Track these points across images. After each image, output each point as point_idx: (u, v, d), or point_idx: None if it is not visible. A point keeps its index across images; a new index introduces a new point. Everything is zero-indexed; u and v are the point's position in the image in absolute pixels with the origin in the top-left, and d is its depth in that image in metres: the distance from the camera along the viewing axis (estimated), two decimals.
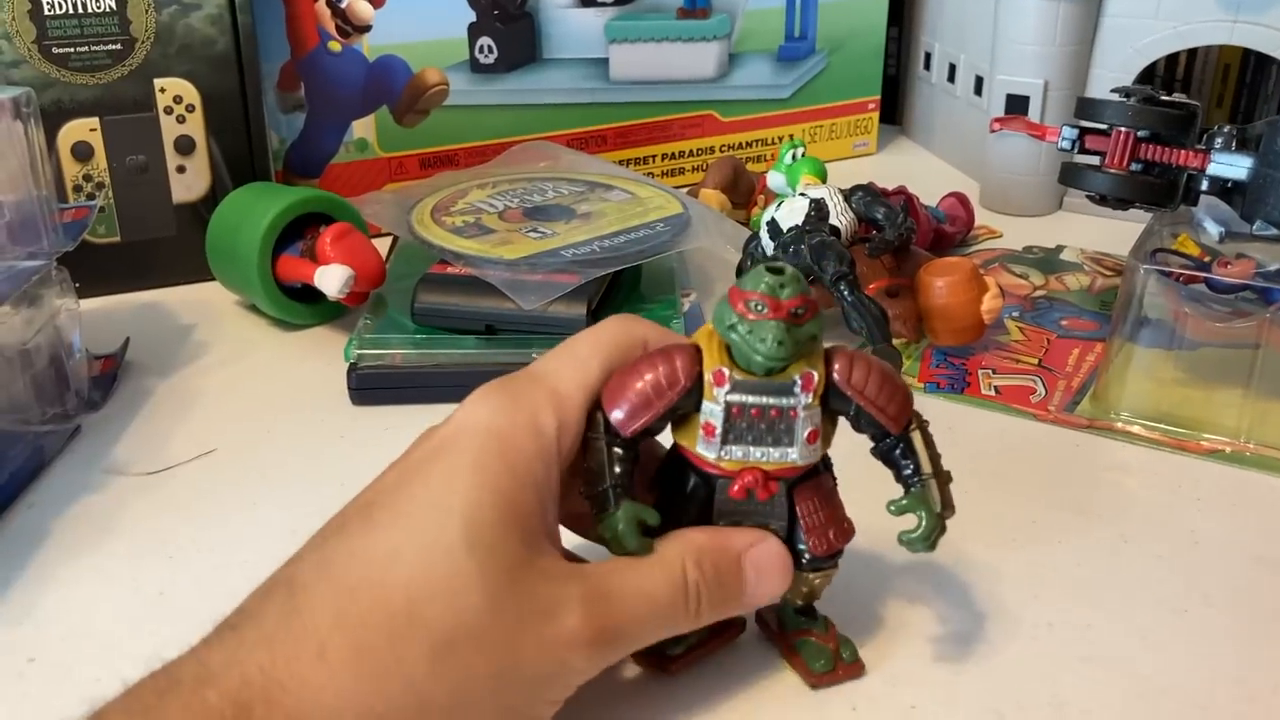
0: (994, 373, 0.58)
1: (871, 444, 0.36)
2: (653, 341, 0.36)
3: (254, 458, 0.50)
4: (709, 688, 0.38)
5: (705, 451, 0.35)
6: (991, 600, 0.42)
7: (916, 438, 0.36)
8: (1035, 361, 0.59)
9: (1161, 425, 0.53)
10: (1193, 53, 0.90)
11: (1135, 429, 0.53)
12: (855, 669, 0.38)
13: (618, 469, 0.34)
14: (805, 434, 0.34)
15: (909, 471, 0.36)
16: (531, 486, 0.32)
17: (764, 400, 0.34)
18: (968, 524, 0.45)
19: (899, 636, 0.40)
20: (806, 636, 0.38)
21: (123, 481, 0.49)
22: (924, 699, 0.37)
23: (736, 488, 0.35)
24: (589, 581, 0.32)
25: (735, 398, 0.34)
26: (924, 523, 0.35)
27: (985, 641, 0.40)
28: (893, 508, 0.36)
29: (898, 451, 0.36)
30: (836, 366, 0.35)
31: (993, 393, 0.56)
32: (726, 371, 0.34)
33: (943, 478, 0.36)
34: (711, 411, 0.34)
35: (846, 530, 0.37)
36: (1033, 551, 0.45)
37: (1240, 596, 0.42)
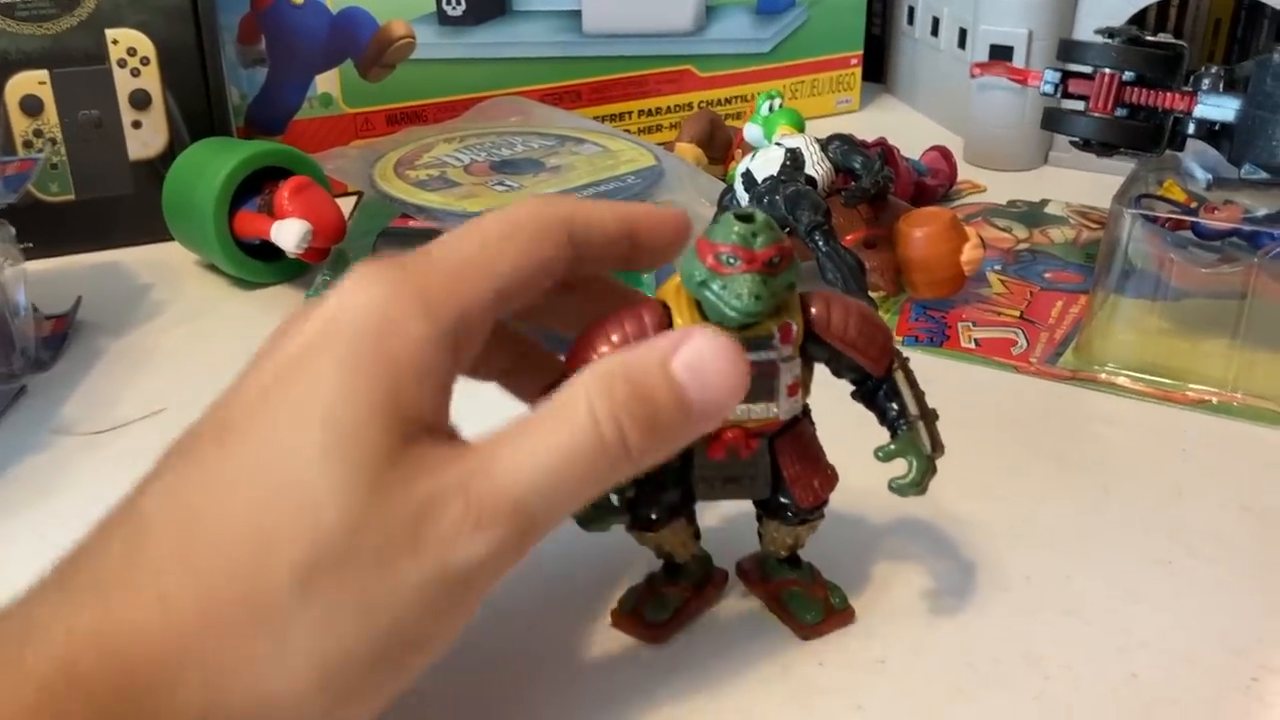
0: (974, 325, 0.56)
1: (852, 388, 0.34)
2: (578, 220, 0.31)
3: None
4: (696, 653, 0.36)
5: None
6: (968, 552, 0.40)
7: (900, 378, 0.34)
8: (1017, 314, 0.58)
9: (1146, 376, 0.51)
10: (1183, 5, 0.88)
11: (1120, 380, 0.51)
12: (846, 616, 0.37)
13: None
14: (786, 386, 0.32)
15: (894, 414, 0.34)
16: (414, 374, 0.27)
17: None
18: (945, 476, 0.43)
19: (870, 588, 0.38)
20: (792, 587, 0.37)
21: (68, 441, 0.48)
22: (894, 652, 0.36)
23: (716, 447, 0.33)
24: (472, 460, 0.27)
25: None
26: (915, 467, 0.33)
27: (960, 594, 0.38)
28: (881, 454, 0.34)
29: (881, 393, 0.34)
30: (814, 312, 0.32)
31: (973, 345, 0.55)
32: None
33: (929, 417, 0.34)
34: None
35: (831, 478, 0.35)
36: (1012, 504, 0.43)
37: (1225, 547, 0.41)
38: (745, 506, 0.36)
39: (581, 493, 0.28)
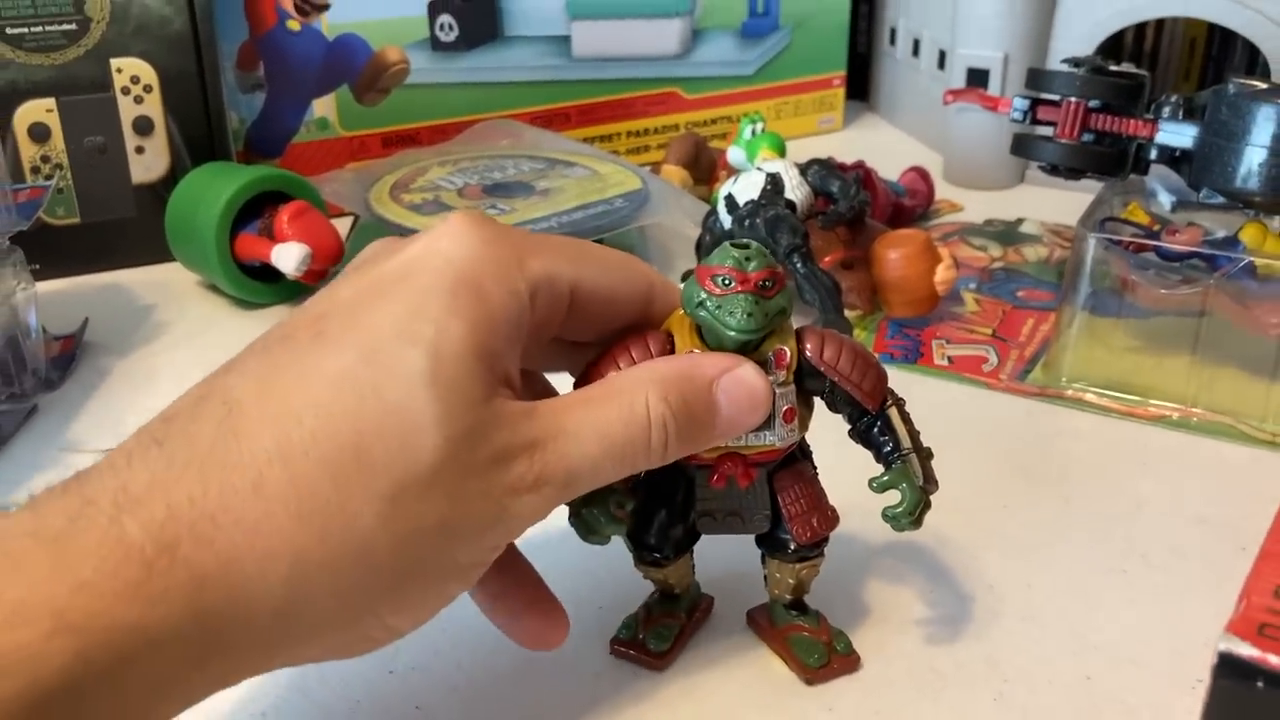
0: (948, 343, 0.59)
1: (849, 425, 0.36)
2: (657, 286, 0.35)
3: None
4: (699, 683, 0.37)
5: None
6: (935, 561, 0.42)
7: (894, 414, 0.35)
8: (990, 332, 0.60)
9: (1111, 392, 0.53)
10: (1159, 28, 0.90)
11: (1085, 396, 0.54)
12: (850, 662, 0.37)
13: None
14: (781, 413, 0.34)
15: (889, 449, 0.35)
16: (504, 324, 0.29)
17: None
18: None
19: (839, 597, 0.40)
20: (798, 632, 0.37)
21: (78, 459, 0.49)
22: (864, 657, 0.38)
23: (716, 477, 0.34)
24: (541, 422, 0.30)
25: None
26: (907, 498, 0.34)
27: (927, 602, 0.40)
28: (875, 484, 0.35)
29: (875, 429, 0.35)
30: (808, 345, 0.34)
31: (946, 362, 0.57)
32: (699, 354, 0.33)
33: (923, 453, 0.35)
34: None
35: (831, 517, 0.36)
36: (978, 515, 0.45)
37: (1178, 556, 0.43)
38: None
39: (616, 475, 0.32)
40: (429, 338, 0.28)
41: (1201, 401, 0.52)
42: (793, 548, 0.36)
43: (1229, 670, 0.25)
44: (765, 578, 0.38)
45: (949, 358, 0.57)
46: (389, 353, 0.27)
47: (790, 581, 0.37)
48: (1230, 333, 0.52)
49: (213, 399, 0.28)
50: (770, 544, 0.37)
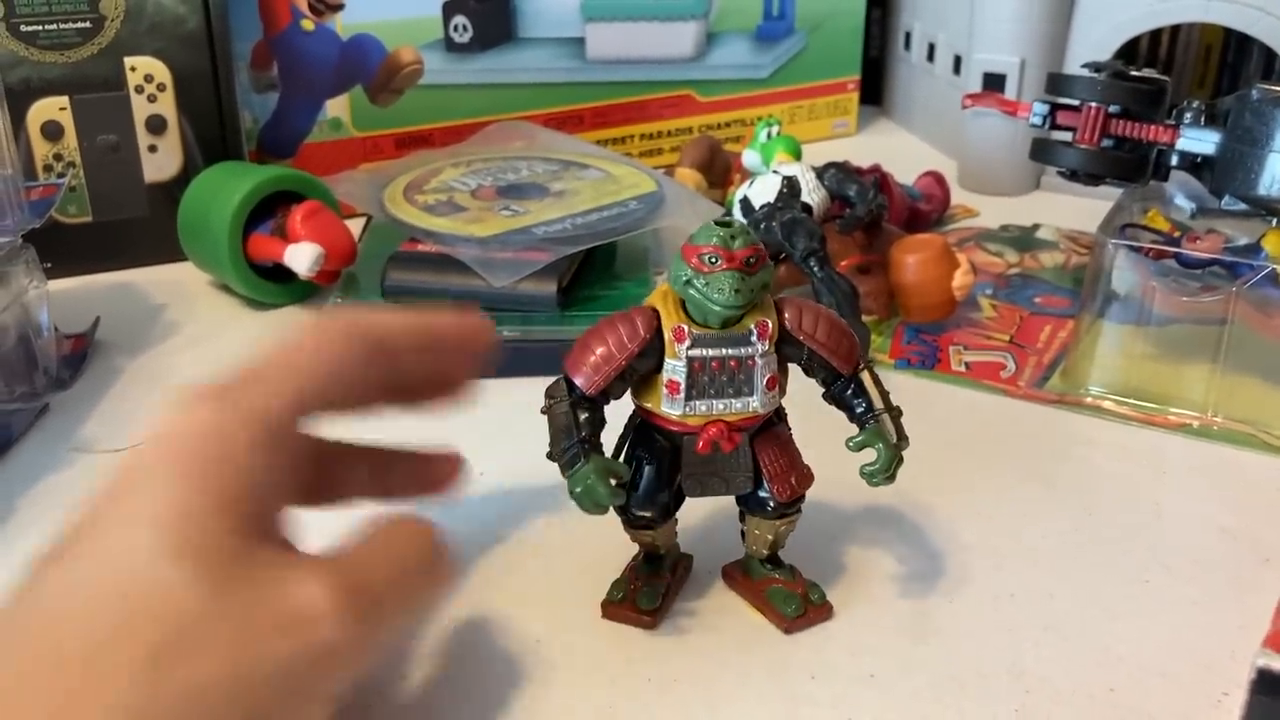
0: (965, 349, 0.58)
1: (823, 389, 0.37)
2: (394, 331, 0.33)
3: None
4: (689, 642, 0.39)
5: (670, 409, 0.36)
6: (955, 571, 0.42)
7: (866, 377, 0.37)
8: (1007, 338, 0.59)
9: (1130, 400, 0.53)
10: (1175, 33, 0.90)
11: (1105, 404, 0.53)
12: (824, 610, 0.39)
13: (583, 428, 0.35)
14: (764, 381, 0.36)
15: (862, 409, 0.37)
16: (248, 474, 0.28)
17: (724, 352, 0.35)
18: (934, 496, 0.45)
19: (861, 606, 0.40)
20: (775, 584, 0.39)
21: (89, 459, 0.49)
22: (884, 667, 0.37)
23: (702, 443, 0.36)
24: (322, 562, 0.29)
25: (696, 352, 0.35)
26: (882, 456, 0.36)
27: (948, 611, 0.40)
28: (851, 444, 0.36)
29: (849, 392, 0.37)
30: (787, 315, 0.36)
31: (963, 369, 0.56)
32: (686, 328, 0.35)
33: (894, 412, 0.37)
34: (674, 368, 0.35)
35: (807, 476, 0.38)
36: (998, 524, 0.45)
37: (1202, 566, 0.42)
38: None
39: (413, 600, 0.31)
40: (157, 516, 0.27)
41: (1222, 410, 0.52)
42: (772, 505, 0.38)
43: (1267, 685, 0.25)
44: (743, 534, 0.40)
45: (966, 364, 0.57)
46: (120, 544, 0.27)
47: (769, 537, 0.39)
48: (1252, 341, 0.51)
49: None
50: (751, 503, 0.38)
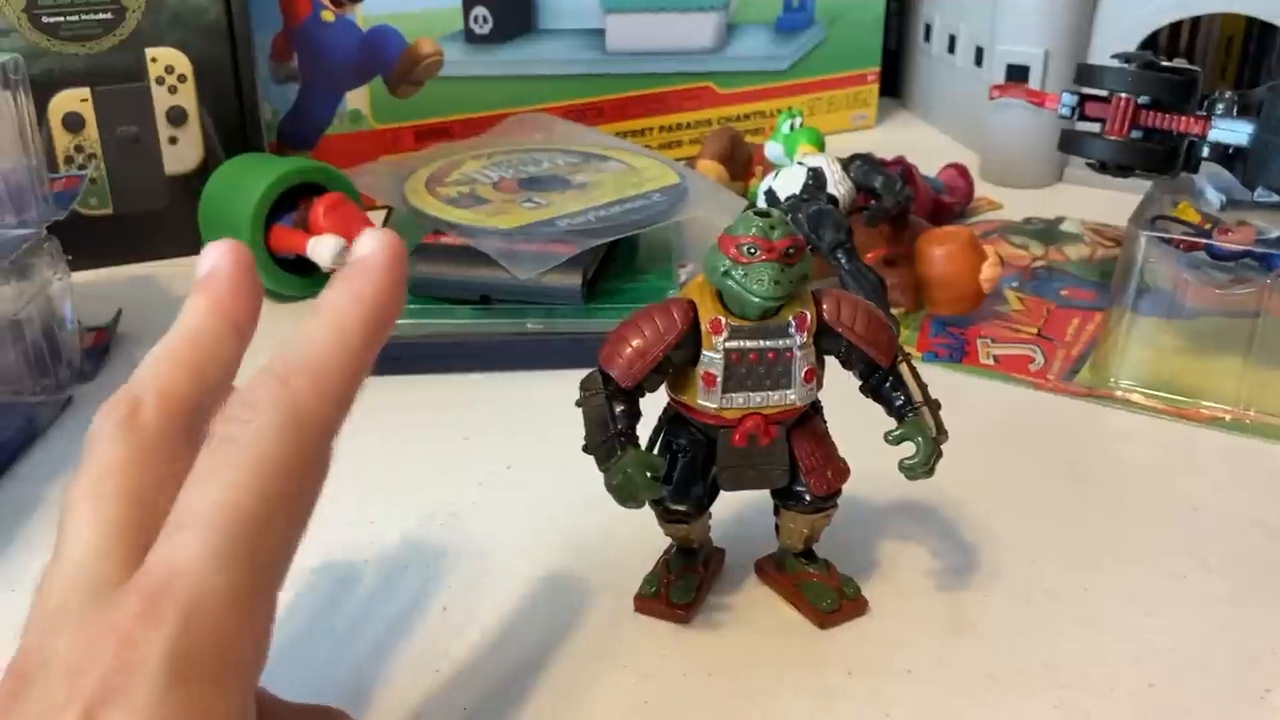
0: (993, 342, 0.58)
1: (860, 382, 0.37)
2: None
3: None
4: (723, 636, 0.38)
5: (706, 402, 0.35)
6: (989, 566, 0.41)
7: (905, 369, 0.36)
8: (1035, 331, 0.59)
9: (1161, 393, 0.52)
10: (1195, 25, 0.89)
11: (1135, 397, 0.53)
12: (859, 605, 0.39)
13: (619, 421, 0.34)
14: (802, 374, 0.35)
15: (901, 402, 0.36)
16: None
17: (761, 344, 0.34)
18: (965, 490, 0.45)
19: (896, 601, 0.40)
20: (809, 579, 0.39)
21: None
22: (920, 663, 0.37)
23: (739, 436, 0.35)
24: None
25: (734, 344, 0.34)
26: (922, 448, 0.35)
27: (982, 606, 0.40)
28: (891, 437, 0.36)
29: (888, 384, 0.36)
30: (825, 306, 0.35)
31: (991, 361, 0.56)
32: (723, 320, 0.34)
33: (933, 405, 0.36)
34: (711, 361, 0.34)
35: (843, 470, 0.38)
36: (1032, 518, 0.44)
37: (1239, 561, 0.42)
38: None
39: None
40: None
41: (1255, 403, 0.51)
42: (808, 499, 0.37)
43: None
44: (778, 528, 0.39)
45: (995, 357, 0.56)
46: None
47: (805, 531, 0.38)
48: None
49: None
50: (786, 497, 0.38)
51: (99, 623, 0.23)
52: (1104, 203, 0.75)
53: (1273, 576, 0.41)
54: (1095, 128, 0.58)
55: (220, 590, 0.23)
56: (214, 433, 0.26)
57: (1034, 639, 0.38)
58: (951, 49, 0.88)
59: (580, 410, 0.35)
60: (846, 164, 0.61)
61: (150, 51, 0.65)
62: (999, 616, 0.39)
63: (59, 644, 0.23)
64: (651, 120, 0.84)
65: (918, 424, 0.36)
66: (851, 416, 0.37)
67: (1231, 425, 0.51)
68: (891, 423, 0.36)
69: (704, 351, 0.35)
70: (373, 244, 0.29)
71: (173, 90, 0.66)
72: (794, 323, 0.35)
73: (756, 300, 0.33)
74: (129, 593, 0.23)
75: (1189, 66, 0.57)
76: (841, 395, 0.37)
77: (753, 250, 0.33)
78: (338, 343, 0.27)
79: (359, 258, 0.29)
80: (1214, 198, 0.58)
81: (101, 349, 0.57)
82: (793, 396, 0.35)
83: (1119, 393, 0.53)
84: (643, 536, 0.39)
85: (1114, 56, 0.57)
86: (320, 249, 0.58)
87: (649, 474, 0.34)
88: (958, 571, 0.41)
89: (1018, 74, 0.78)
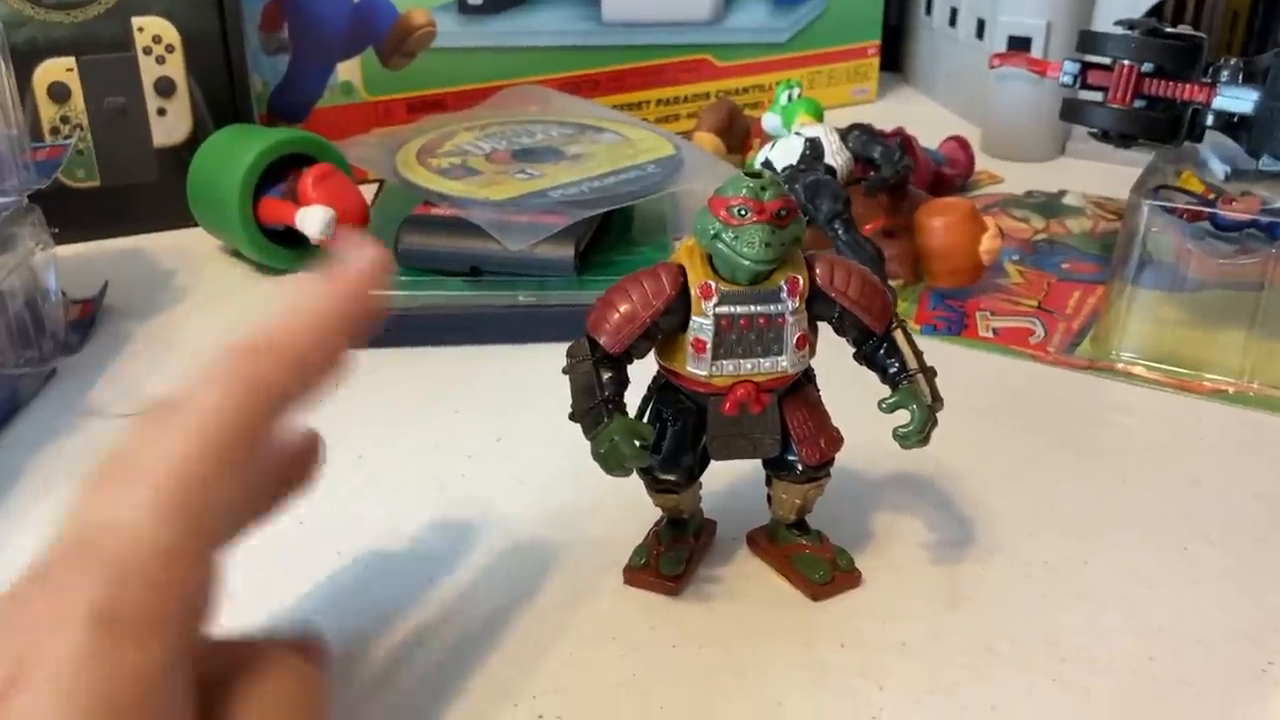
0: (992, 315, 0.57)
1: (854, 348, 0.36)
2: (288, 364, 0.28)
3: None
4: (714, 608, 0.37)
5: (696, 369, 0.34)
6: (988, 538, 0.41)
7: (899, 336, 0.35)
8: (1035, 304, 0.58)
9: (1164, 366, 0.52)
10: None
11: (1137, 370, 0.52)
12: (853, 577, 0.38)
13: (606, 388, 0.34)
14: (794, 340, 0.34)
15: (895, 369, 0.35)
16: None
17: (752, 309, 0.33)
18: (963, 462, 0.44)
19: (890, 573, 0.39)
20: (801, 550, 0.38)
21: (97, 424, 0.48)
22: (915, 635, 0.36)
23: (729, 404, 0.34)
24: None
25: (724, 309, 0.33)
26: (916, 417, 0.34)
27: (979, 579, 0.39)
28: (884, 405, 0.35)
29: (882, 351, 0.35)
30: (818, 271, 0.34)
31: (991, 334, 0.55)
32: (713, 284, 0.33)
33: (928, 372, 0.35)
34: (701, 326, 0.34)
35: (836, 439, 0.37)
36: (1031, 491, 0.43)
37: (1241, 535, 0.41)
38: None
39: None
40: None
41: (1259, 376, 0.50)
42: (800, 469, 0.36)
43: None
44: (770, 499, 0.38)
45: (994, 329, 0.55)
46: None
47: (797, 502, 0.37)
48: None
49: None
50: (778, 466, 0.37)
51: (37, 572, 0.24)
52: (1106, 176, 0.74)
53: (1274, 550, 0.40)
54: (1098, 96, 0.57)
55: (154, 544, 0.24)
56: (175, 395, 0.26)
57: (1032, 612, 0.37)
58: (953, 22, 0.87)
59: (567, 378, 0.34)
60: (844, 134, 0.60)
61: (137, 20, 0.64)
62: (996, 590, 0.38)
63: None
64: (648, 93, 0.82)
65: (912, 391, 0.35)
66: (845, 384, 0.36)
67: (1235, 398, 0.50)
68: (886, 390, 0.35)
69: (693, 317, 0.34)
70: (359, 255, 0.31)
71: (160, 60, 0.65)
72: (786, 287, 0.34)
73: (747, 263, 0.32)
74: (64, 544, 0.24)
75: (1194, 33, 0.55)
76: (835, 362, 0.36)
77: (743, 212, 0.32)
78: (306, 322, 0.29)
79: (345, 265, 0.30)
80: (1218, 167, 0.57)
81: (88, 321, 0.56)
82: (784, 364, 0.34)
83: (1120, 365, 0.52)
84: (633, 509, 0.39)
85: (1117, 23, 0.56)
86: (309, 220, 0.57)
87: (636, 442, 0.33)
88: (954, 544, 0.40)
89: (1020, 46, 0.76)
